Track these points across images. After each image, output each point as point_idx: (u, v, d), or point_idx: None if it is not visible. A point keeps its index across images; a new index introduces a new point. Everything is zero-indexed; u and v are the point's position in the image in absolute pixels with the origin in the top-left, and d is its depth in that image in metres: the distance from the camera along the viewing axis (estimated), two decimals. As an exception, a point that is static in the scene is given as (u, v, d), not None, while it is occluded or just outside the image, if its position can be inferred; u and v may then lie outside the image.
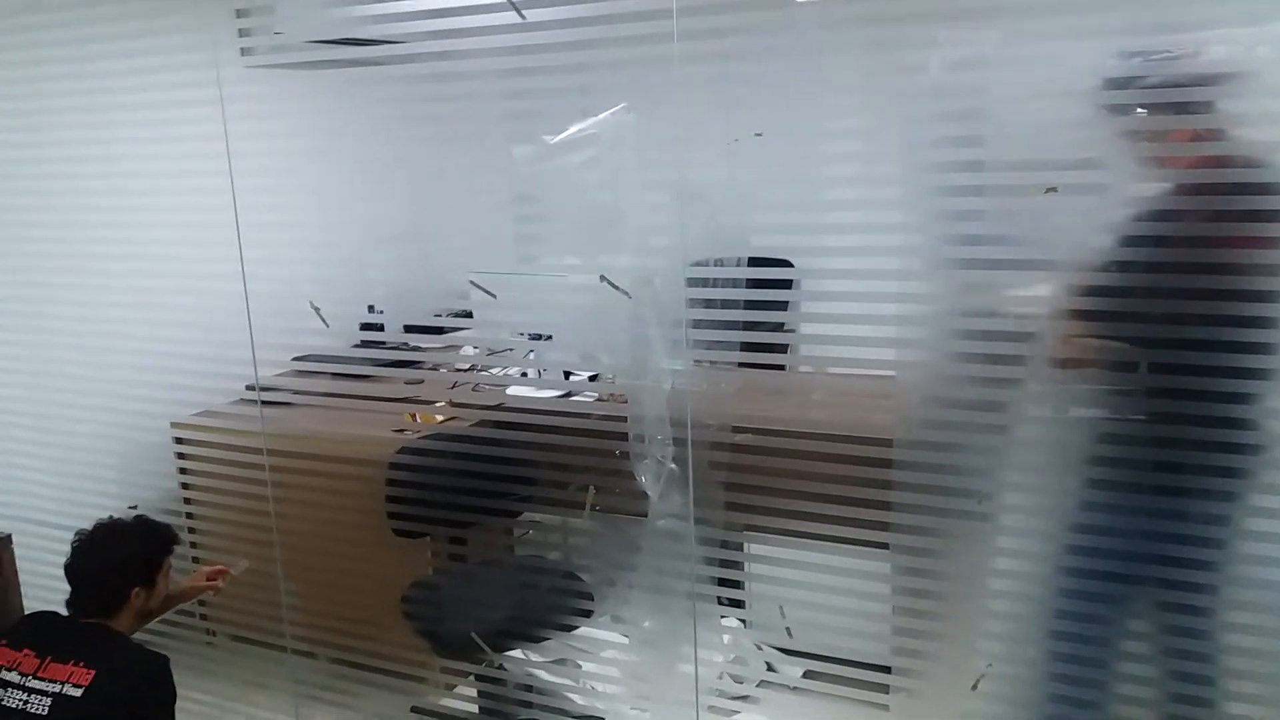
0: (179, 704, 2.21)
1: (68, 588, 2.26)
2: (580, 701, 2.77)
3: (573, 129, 2.31)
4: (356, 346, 2.59)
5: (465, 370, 3.23)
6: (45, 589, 2.76)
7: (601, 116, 2.29)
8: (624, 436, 2.39)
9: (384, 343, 2.65)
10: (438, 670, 2.79)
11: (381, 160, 3.03)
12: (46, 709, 2.03)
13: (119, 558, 2.27)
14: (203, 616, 3.02)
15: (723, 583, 2.44)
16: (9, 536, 2.82)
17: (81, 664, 2.08)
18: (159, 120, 2.47)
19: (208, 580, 2.61)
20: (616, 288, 2.28)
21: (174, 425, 3.08)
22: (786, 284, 2.60)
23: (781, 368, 2.92)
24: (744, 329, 2.14)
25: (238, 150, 2.42)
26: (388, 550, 2.76)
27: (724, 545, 2.39)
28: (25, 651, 2.12)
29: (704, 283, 2.17)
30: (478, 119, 2.37)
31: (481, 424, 2.61)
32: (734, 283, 2.18)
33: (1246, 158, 1.72)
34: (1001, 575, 2.04)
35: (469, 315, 2.77)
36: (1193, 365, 1.75)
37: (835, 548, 2.13)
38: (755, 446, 2.30)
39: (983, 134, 1.87)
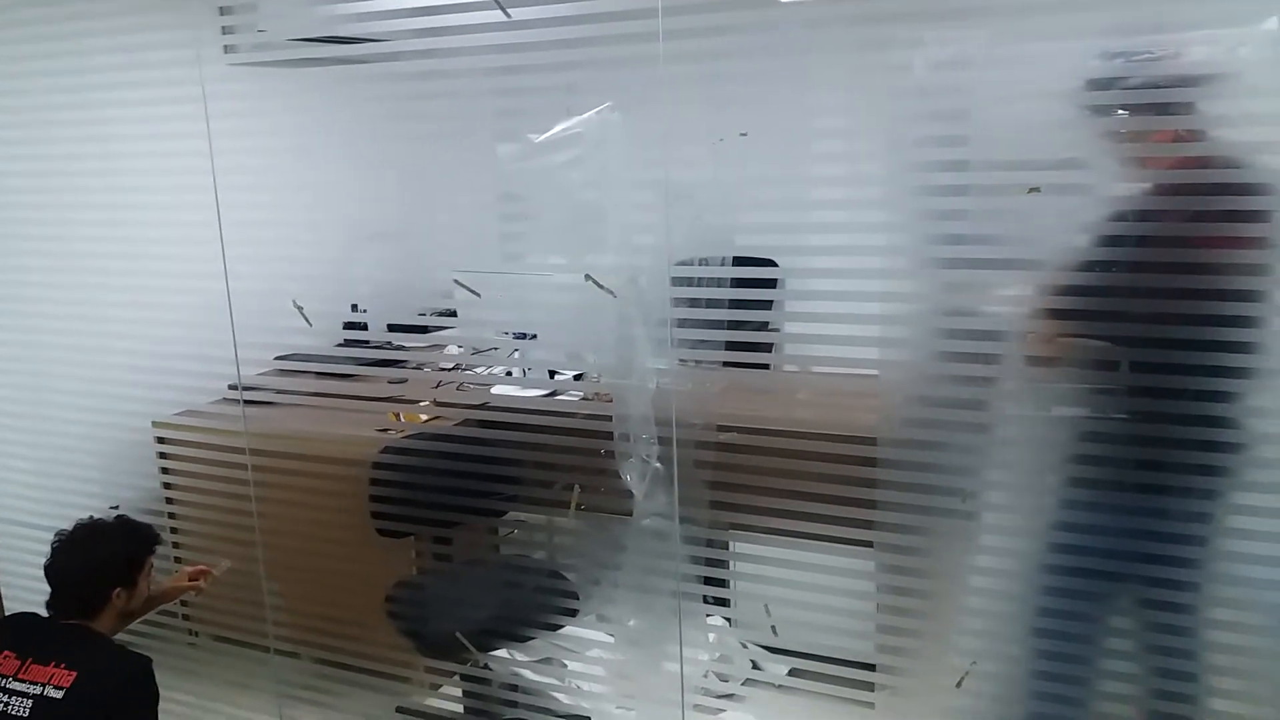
0: (161, 705, 2.20)
1: (48, 589, 2.25)
2: (566, 701, 2.77)
3: (558, 128, 2.31)
4: (340, 345, 2.58)
5: (449, 369, 3.23)
6: (25, 590, 2.74)
7: (587, 115, 2.29)
8: (609, 435, 2.39)
9: (368, 342, 2.64)
10: (422, 670, 2.78)
11: (365, 158, 3.02)
12: (27, 711, 2.02)
13: (100, 558, 2.25)
14: (185, 617, 3.00)
15: (708, 581, 2.44)
16: (-12, 537, 2.80)
17: (63, 666, 2.07)
18: (141, 118, 2.45)
19: (190, 580, 2.59)
20: (601, 287, 2.28)
21: (156, 424, 3.06)
22: (771, 283, 2.61)
23: (766, 367, 2.93)
24: (729, 328, 2.14)
25: (220, 148, 2.41)
26: (372, 550, 2.75)
27: (709, 544, 2.39)
28: (5, 653, 2.11)
29: (689, 282, 2.17)
30: (462, 117, 2.36)
31: (466, 423, 2.61)
32: (719, 282, 2.19)
33: (1227, 158, 1.73)
34: (985, 573, 2.05)
35: (453, 314, 2.76)
36: (1174, 364, 1.76)
37: (820, 546, 2.13)
38: (740, 445, 2.31)
39: (967, 134, 1.88)
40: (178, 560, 2.82)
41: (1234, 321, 1.73)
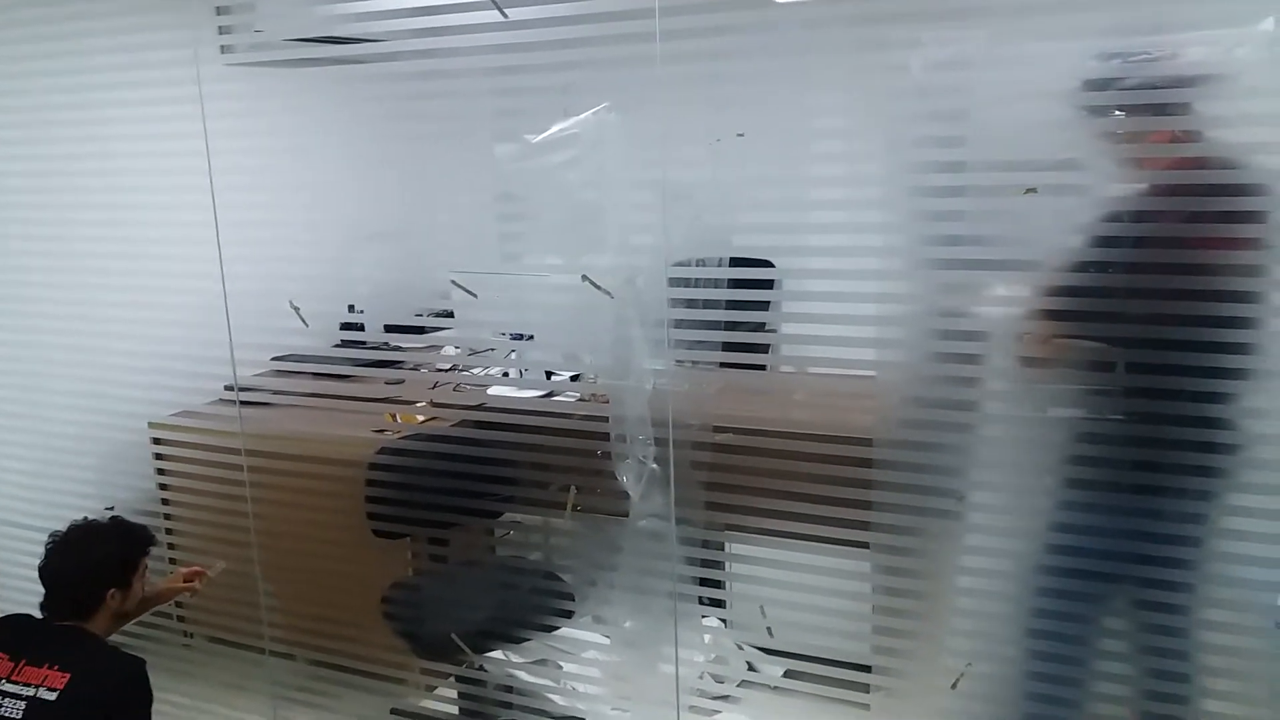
0: (156, 706, 2.20)
1: (42, 590, 2.24)
2: (561, 702, 2.76)
3: (555, 128, 2.31)
4: (337, 346, 2.57)
5: (446, 370, 3.22)
6: (20, 591, 2.73)
7: (584, 116, 2.29)
8: (605, 436, 2.39)
9: (364, 342, 2.64)
10: (418, 672, 2.77)
11: (362, 159, 3.01)
12: (21, 712, 2.01)
13: (94, 559, 2.25)
14: (180, 618, 2.99)
15: (704, 582, 2.44)
16: (-18, 537, 2.79)
17: (56, 667, 2.06)
18: (140, 118, 2.45)
19: (185, 581, 2.59)
20: (598, 287, 2.28)
21: (152, 425, 3.05)
22: (768, 284, 2.60)
23: (763, 368, 2.93)
24: (725, 329, 2.14)
25: (217, 148, 2.41)
26: (367, 551, 2.75)
27: (705, 545, 2.39)
28: (-1, 654, 2.10)
29: (686, 283, 2.17)
30: (460, 118, 2.36)
31: (462, 424, 2.60)
32: (716, 283, 2.19)
33: (1224, 159, 1.73)
34: (980, 574, 2.05)
35: (450, 315, 2.76)
36: (1170, 365, 1.76)
37: (816, 547, 2.13)
38: (736, 446, 2.30)
39: (964, 135, 1.88)
40: (173, 561, 2.82)
41: (1230, 323, 1.74)
